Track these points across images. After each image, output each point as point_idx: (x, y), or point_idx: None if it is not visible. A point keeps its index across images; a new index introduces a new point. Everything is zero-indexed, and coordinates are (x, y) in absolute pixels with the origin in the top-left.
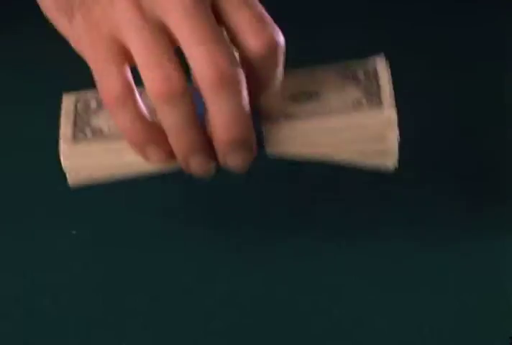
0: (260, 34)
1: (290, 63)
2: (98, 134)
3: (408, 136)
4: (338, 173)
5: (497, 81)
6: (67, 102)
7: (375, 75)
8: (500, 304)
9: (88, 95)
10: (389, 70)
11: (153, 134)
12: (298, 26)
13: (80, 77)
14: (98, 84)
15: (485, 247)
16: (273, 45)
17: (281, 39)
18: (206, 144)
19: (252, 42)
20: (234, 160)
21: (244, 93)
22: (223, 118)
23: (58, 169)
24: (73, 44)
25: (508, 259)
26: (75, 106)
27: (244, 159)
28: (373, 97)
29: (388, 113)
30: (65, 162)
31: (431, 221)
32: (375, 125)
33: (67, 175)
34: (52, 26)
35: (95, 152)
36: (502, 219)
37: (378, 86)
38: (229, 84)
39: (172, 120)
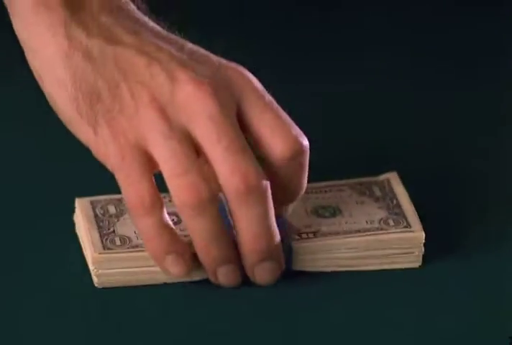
0: (286, 137)
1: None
2: (127, 242)
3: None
4: None
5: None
6: (84, 206)
7: (391, 191)
8: (500, 304)
9: (103, 200)
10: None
11: (177, 243)
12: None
13: None
14: (125, 192)
15: (485, 247)
16: (299, 148)
17: (305, 141)
18: (234, 254)
19: (279, 146)
20: (261, 272)
21: (270, 203)
22: (250, 229)
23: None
24: (96, 152)
25: (508, 259)
26: (94, 211)
27: (271, 271)
28: (399, 217)
29: (419, 235)
30: (95, 269)
31: (431, 221)
32: (404, 244)
33: (96, 279)
34: None
35: (125, 260)
36: (502, 219)
37: (399, 205)
38: (255, 194)
39: (200, 230)
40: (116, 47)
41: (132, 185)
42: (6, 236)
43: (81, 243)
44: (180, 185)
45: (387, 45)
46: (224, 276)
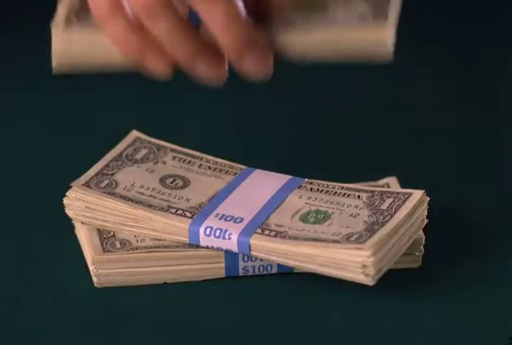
0: None
1: None
2: (127, 245)
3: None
4: None
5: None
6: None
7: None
8: (500, 304)
9: None
10: None
11: (148, 40)
12: None
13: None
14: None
15: (485, 248)
16: None
17: None
18: (207, 47)
19: None
20: (250, 64)
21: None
22: (217, 24)
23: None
24: None
25: (508, 259)
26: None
27: (258, 61)
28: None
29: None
30: (95, 269)
31: (431, 221)
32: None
33: (96, 279)
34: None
35: (125, 261)
36: (502, 219)
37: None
38: None
39: (161, 28)
40: None
41: None
42: (6, 236)
43: (81, 245)
44: None
45: None
46: (203, 71)
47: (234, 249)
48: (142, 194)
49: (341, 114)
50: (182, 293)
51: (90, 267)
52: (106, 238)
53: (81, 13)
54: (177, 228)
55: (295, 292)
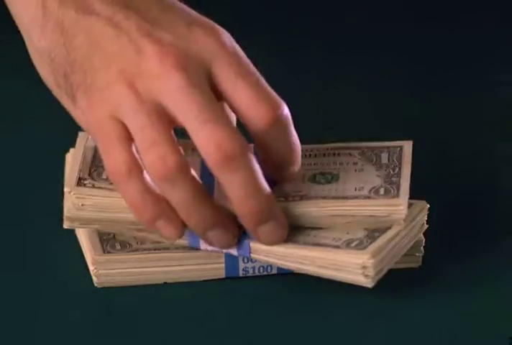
0: (261, 106)
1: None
2: (127, 246)
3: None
4: None
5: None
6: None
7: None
8: (500, 304)
9: None
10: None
11: (163, 207)
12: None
13: None
14: (104, 161)
15: (485, 247)
16: (277, 115)
17: (283, 106)
18: (222, 216)
19: (255, 116)
20: (264, 234)
21: (255, 166)
22: (237, 193)
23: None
24: (78, 122)
25: (508, 259)
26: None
27: (273, 232)
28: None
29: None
30: (95, 269)
31: (431, 221)
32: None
33: (96, 279)
34: None
35: (125, 261)
36: (502, 219)
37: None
38: (234, 160)
39: (177, 198)
40: (87, 18)
41: (109, 154)
42: (6, 235)
43: (81, 245)
44: (148, 158)
45: (387, 45)
46: (215, 238)
47: (234, 252)
48: None
49: (341, 113)
50: (182, 293)
51: (90, 267)
52: (106, 240)
53: (94, 173)
54: None
55: (295, 292)
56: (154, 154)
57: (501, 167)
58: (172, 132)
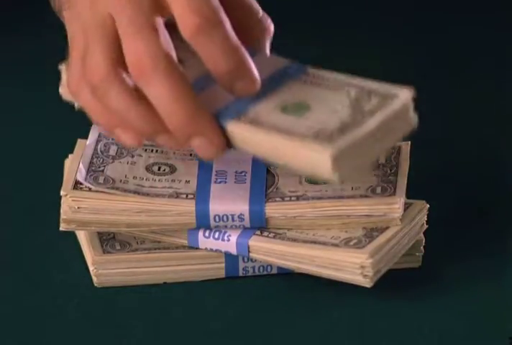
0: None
1: None
2: (126, 246)
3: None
4: None
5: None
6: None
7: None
8: (500, 304)
9: None
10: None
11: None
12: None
13: None
14: (90, 62)
15: (485, 247)
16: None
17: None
18: (205, 121)
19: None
20: (242, 87)
21: (231, 31)
22: (217, 52)
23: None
24: (70, 25)
25: (508, 259)
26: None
27: (250, 84)
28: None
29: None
30: (95, 269)
31: (431, 221)
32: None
33: (96, 279)
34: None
35: (125, 261)
36: (502, 219)
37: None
38: (213, 26)
39: (152, 93)
40: None
41: (93, 54)
42: (6, 235)
43: (81, 246)
44: (127, 50)
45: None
46: (198, 148)
47: (233, 250)
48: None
49: None
50: (182, 293)
51: (90, 267)
52: (106, 240)
53: (90, 178)
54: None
55: (295, 292)
56: (132, 45)
57: (501, 167)
58: (161, 22)
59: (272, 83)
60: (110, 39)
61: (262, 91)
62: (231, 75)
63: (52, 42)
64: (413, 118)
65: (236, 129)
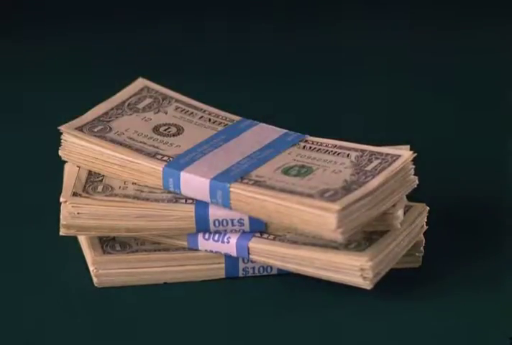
0: None
1: None
2: (127, 247)
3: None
4: None
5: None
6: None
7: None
8: (500, 304)
9: None
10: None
11: None
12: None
13: (82, 78)
14: None
15: (485, 248)
16: None
17: None
18: None
19: None
20: None
21: None
22: None
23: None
24: None
25: (508, 259)
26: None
27: None
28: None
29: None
30: (95, 269)
31: (431, 221)
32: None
33: (96, 279)
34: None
35: (125, 262)
36: (502, 219)
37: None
38: None
39: None
40: None
41: None
42: (5, 235)
43: (81, 246)
44: None
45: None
46: None
47: (233, 252)
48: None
49: (340, 113)
50: (182, 293)
51: (91, 268)
52: (106, 241)
53: (88, 188)
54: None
55: (295, 293)
56: None
57: (501, 168)
58: None
59: (272, 149)
60: None
61: (263, 156)
62: None
63: (53, 46)
64: (413, 178)
65: (240, 190)
